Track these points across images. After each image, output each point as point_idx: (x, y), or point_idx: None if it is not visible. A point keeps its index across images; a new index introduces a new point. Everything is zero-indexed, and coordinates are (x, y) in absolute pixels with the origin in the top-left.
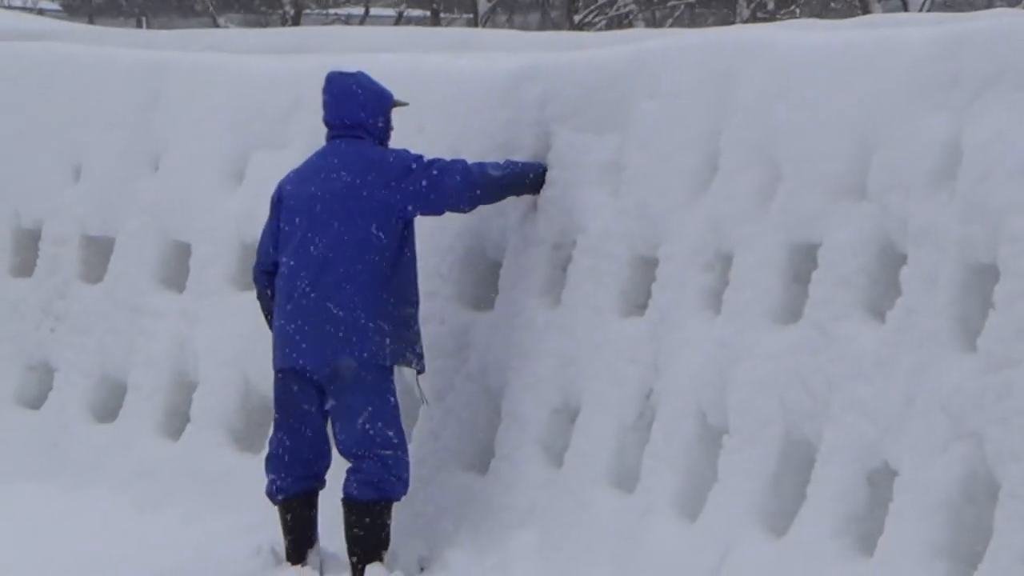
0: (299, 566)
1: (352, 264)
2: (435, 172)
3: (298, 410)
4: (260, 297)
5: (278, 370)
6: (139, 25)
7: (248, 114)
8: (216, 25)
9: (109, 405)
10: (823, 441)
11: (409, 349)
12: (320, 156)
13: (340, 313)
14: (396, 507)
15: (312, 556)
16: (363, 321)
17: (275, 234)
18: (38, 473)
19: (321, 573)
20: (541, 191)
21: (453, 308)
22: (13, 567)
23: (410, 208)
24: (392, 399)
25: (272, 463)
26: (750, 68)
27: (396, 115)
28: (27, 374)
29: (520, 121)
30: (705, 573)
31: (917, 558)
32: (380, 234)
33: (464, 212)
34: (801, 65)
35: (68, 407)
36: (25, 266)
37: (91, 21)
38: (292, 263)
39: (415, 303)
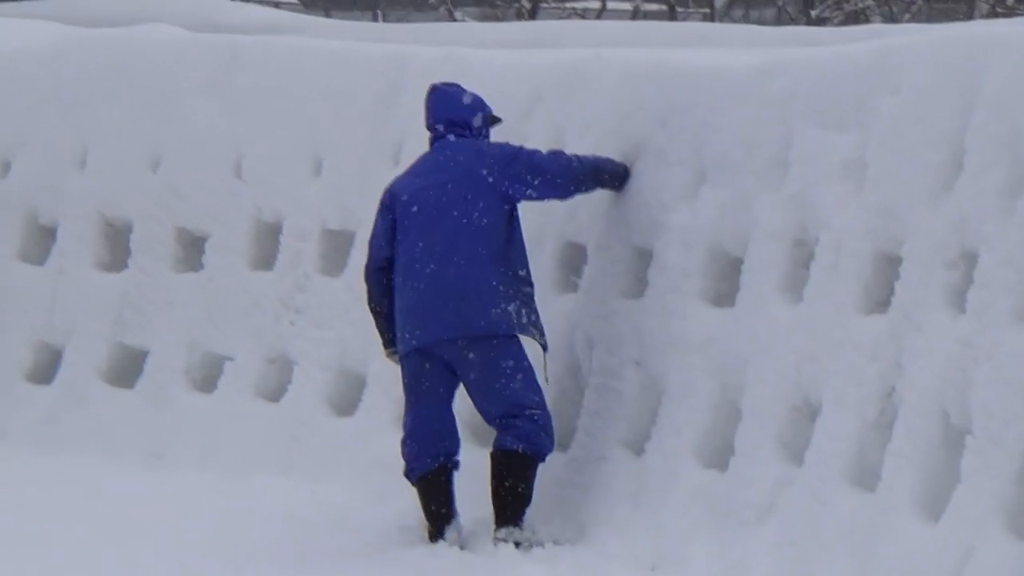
0: (439, 542)
1: (473, 245)
2: (535, 160)
3: (428, 388)
4: (370, 297)
5: (408, 351)
6: (375, 19)
7: None
8: (452, 19)
9: (348, 398)
10: None
11: (532, 323)
12: (429, 155)
13: (468, 289)
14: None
15: (450, 532)
16: (489, 294)
17: (387, 231)
18: (276, 466)
19: (461, 548)
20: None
21: (695, 304)
22: (252, 558)
23: (512, 192)
24: (526, 362)
25: (406, 445)
26: (996, 64)
27: (639, 109)
28: (266, 367)
29: (762, 117)
30: (947, 574)
31: None
32: (492, 217)
33: (562, 200)
34: None
35: (306, 400)
36: (265, 259)
37: (327, 14)
38: (415, 249)
39: (530, 283)
